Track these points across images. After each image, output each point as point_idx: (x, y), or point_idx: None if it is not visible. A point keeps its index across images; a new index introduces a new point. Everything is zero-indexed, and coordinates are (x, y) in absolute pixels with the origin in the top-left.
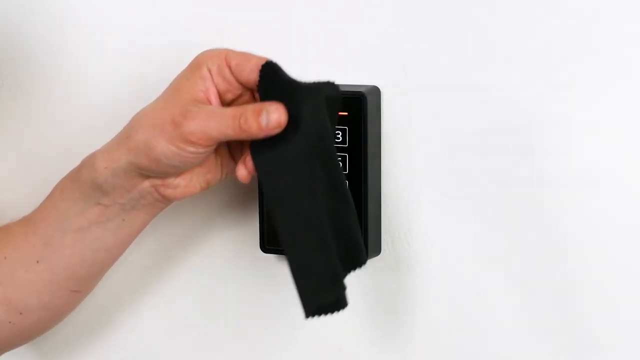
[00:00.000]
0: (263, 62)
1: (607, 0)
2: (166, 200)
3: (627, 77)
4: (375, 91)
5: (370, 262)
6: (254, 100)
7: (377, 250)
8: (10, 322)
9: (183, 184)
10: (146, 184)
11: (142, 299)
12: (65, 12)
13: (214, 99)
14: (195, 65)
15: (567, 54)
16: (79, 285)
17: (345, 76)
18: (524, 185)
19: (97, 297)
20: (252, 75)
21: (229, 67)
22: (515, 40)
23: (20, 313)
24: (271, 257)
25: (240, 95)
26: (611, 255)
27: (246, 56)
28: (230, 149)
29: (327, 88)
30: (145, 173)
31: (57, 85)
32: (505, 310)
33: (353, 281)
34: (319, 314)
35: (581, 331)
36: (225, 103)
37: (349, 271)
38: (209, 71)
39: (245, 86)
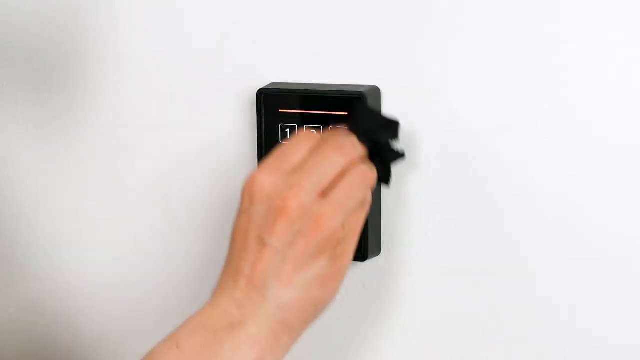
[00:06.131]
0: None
1: (607, 1)
2: None
3: (628, 76)
4: (375, 91)
5: (370, 262)
6: None
7: (377, 251)
8: None
9: None
10: None
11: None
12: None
13: None
14: None
15: (567, 54)
16: None
17: (345, 76)
18: (524, 185)
19: None
20: None
21: None
22: (516, 41)
23: None
24: None
25: None
26: (613, 255)
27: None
28: None
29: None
30: None
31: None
32: (506, 311)
33: (353, 281)
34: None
35: (582, 332)
36: None
37: None
38: None
39: None
